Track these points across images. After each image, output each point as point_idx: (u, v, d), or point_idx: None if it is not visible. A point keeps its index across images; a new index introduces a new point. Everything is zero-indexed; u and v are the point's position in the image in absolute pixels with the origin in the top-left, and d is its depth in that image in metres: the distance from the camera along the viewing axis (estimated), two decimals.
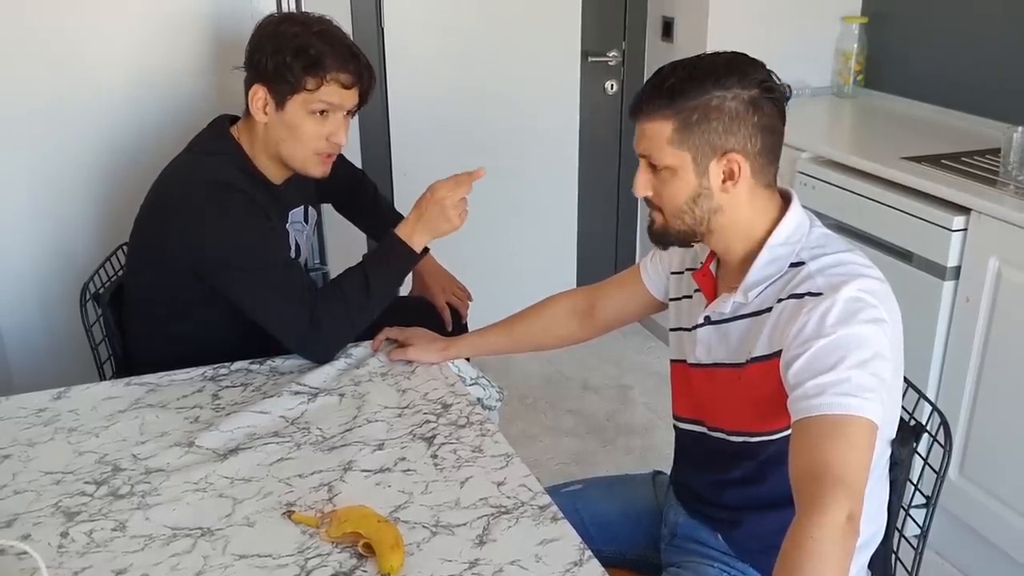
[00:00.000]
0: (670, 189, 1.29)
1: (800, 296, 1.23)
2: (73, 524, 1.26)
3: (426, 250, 2.17)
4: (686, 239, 1.35)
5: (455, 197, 1.72)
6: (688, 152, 1.26)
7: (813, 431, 1.14)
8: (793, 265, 1.28)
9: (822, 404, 1.14)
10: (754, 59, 1.29)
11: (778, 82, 1.28)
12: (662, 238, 1.36)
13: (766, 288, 1.29)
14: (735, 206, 1.29)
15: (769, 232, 1.30)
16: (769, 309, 1.28)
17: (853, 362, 1.16)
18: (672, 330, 1.50)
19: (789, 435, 1.25)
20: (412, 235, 1.73)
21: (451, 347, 1.73)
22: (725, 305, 1.34)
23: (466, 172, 1.76)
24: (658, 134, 1.27)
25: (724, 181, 1.27)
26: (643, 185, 1.32)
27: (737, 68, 1.25)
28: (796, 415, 1.17)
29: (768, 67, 1.29)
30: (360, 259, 1.75)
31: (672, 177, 1.28)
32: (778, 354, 1.24)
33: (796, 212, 1.32)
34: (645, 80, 1.32)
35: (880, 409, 1.15)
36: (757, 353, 1.28)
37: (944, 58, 2.88)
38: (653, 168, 1.30)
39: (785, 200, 1.34)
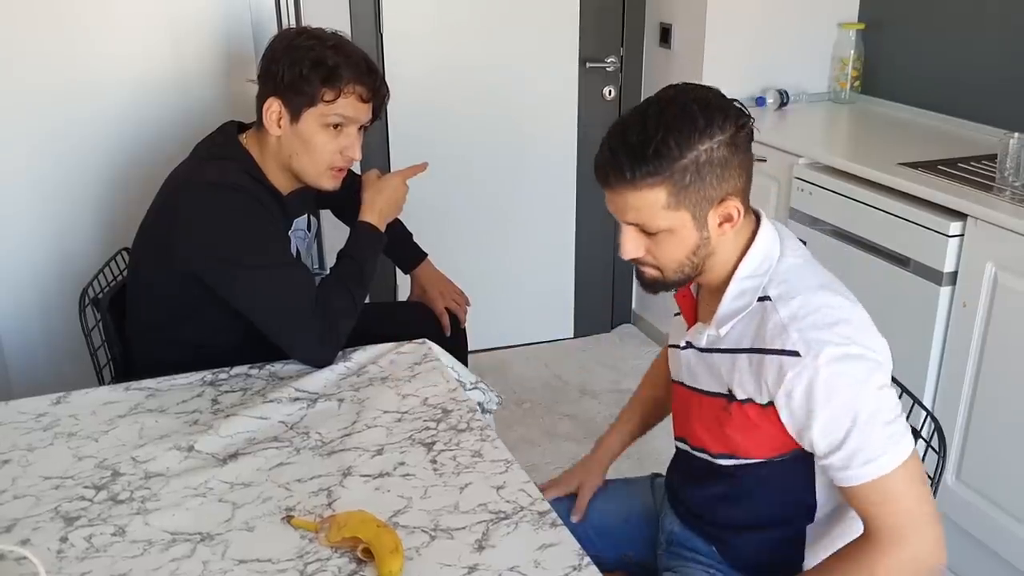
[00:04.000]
0: (666, 248, 1.25)
1: (776, 353, 1.21)
2: (72, 529, 1.26)
3: (424, 255, 2.19)
4: (682, 284, 1.32)
5: (375, 173, 1.92)
6: (687, 211, 1.21)
7: (859, 496, 1.21)
8: (761, 299, 1.26)
9: (853, 476, 1.20)
10: (714, 94, 1.22)
11: (745, 110, 1.23)
12: (657, 289, 1.32)
13: (736, 323, 1.28)
14: (725, 244, 1.27)
15: (739, 260, 1.28)
16: (745, 350, 1.26)
17: (862, 425, 1.18)
18: (669, 346, 1.50)
19: (772, 461, 1.31)
20: (373, 218, 1.85)
21: (604, 457, 1.69)
22: (700, 338, 1.34)
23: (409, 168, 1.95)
24: (651, 203, 1.20)
25: (721, 224, 1.24)
26: (634, 249, 1.26)
27: (709, 112, 1.18)
28: (836, 482, 1.23)
29: (725, 97, 1.23)
30: (339, 254, 1.82)
31: (669, 237, 1.23)
32: (770, 405, 1.24)
33: (763, 241, 1.28)
34: (652, 89, 1.26)
35: (907, 431, 1.21)
36: (742, 396, 1.28)
37: (941, 64, 2.89)
38: (644, 232, 1.24)
39: (755, 224, 1.31)
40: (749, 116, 1.23)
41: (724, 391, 1.31)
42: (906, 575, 1.21)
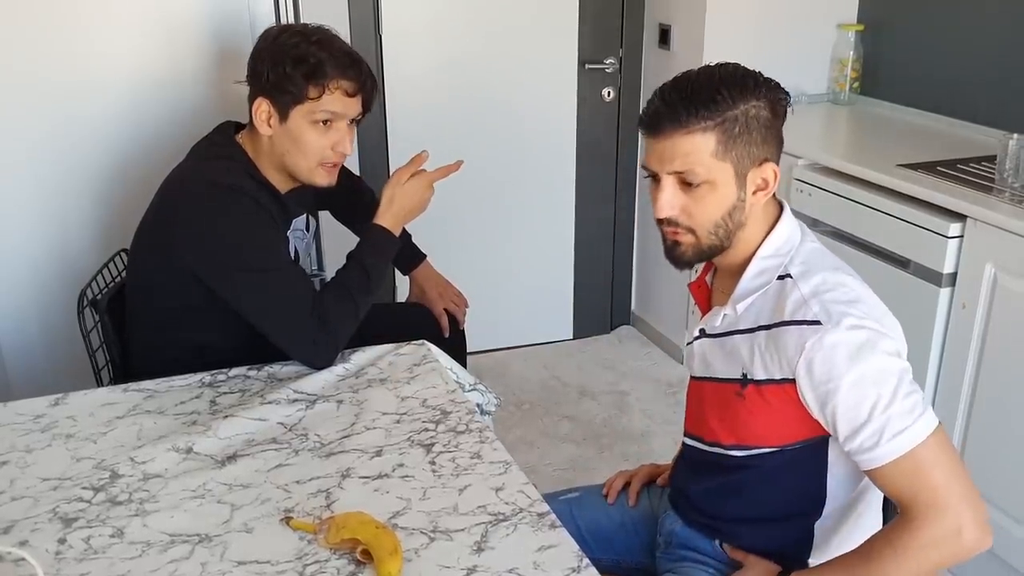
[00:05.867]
0: (706, 205, 1.25)
1: (796, 323, 1.23)
2: (71, 530, 1.26)
3: (423, 256, 2.19)
4: (711, 255, 1.32)
5: (407, 175, 1.80)
6: (730, 164, 1.24)
7: (889, 477, 1.20)
8: (781, 277, 1.28)
9: (882, 455, 1.19)
10: (747, 67, 1.29)
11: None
12: (690, 258, 1.31)
13: (754, 300, 1.29)
14: (754, 217, 1.29)
15: (762, 242, 1.31)
16: (763, 328, 1.27)
17: (885, 400, 1.18)
18: (687, 346, 1.50)
19: (785, 450, 1.30)
20: (389, 221, 1.78)
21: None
22: (716, 319, 1.34)
23: (416, 155, 1.82)
24: (700, 148, 1.22)
25: (755, 192, 1.27)
26: (671, 205, 1.26)
27: (751, 77, 1.25)
28: (864, 466, 1.22)
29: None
30: (348, 256, 1.78)
31: (710, 192, 1.24)
32: (789, 381, 1.24)
33: (787, 224, 1.32)
34: (651, 90, 1.28)
35: (928, 408, 1.20)
36: (761, 376, 1.28)
37: (940, 65, 2.89)
38: (686, 185, 1.25)
39: (779, 209, 1.35)
40: (787, 93, 1.29)
41: (738, 375, 1.31)
42: (944, 554, 1.19)
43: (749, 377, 1.29)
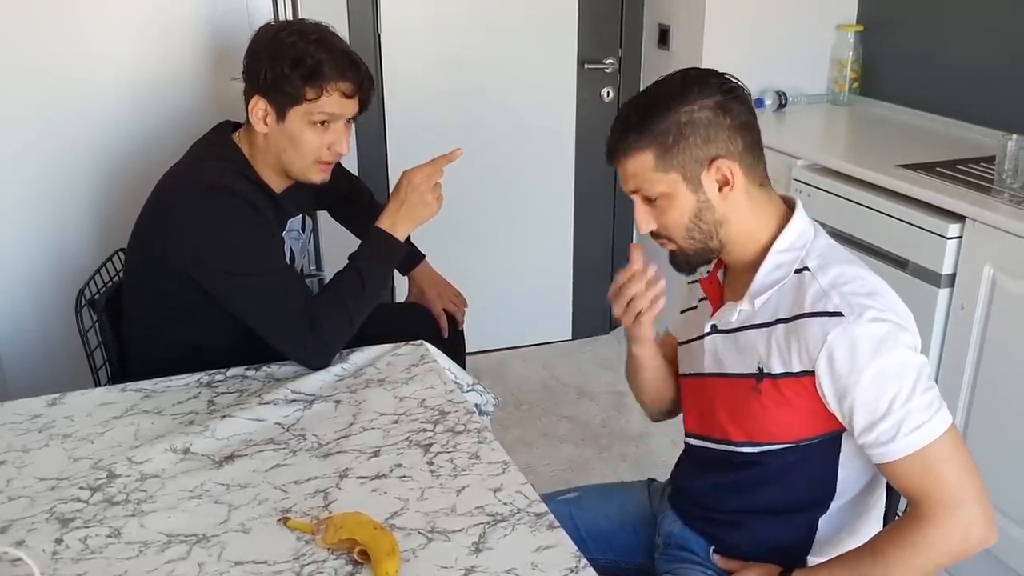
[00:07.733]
0: (671, 214, 1.30)
1: (818, 315, 1.23)
2: (68, 531, 1.26)
3: (422, 256, 2.18)
4: (705, 257, 1.35)
5: (430, 182, 1.73)
6: (676, 172, 1.27)
7: (902, 471, 1.21)
8: (798, 271, 1.29)
9: (898, 450, 1.20)
10: (705, 69, 1.31)
11: (736, 82, 1.30)
12: (684, 264, 1.36)
13: (771, 295, 1.30)
14: (738, 212, 1.30)
15: (774, 237, 1.31)
16: (781, 321, 1.28)
17: (905, 394, 1.19)
18: (681, 344, 1.50)
19: (798, 446, 1.30)
20: (395, 226, 1.74)
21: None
22: (731, 314, 1.34)
23: (441, 156, 1.74)
24: (641, 167, 1.28)
25: (720, 189, 1.28)
26: (645, 221, 1.33)
27: (692, 81, 1.28)
28: (877, 459, 1.23)
29: (721, 71, 1.31)
30: (348, 258, 1.75)
31: (668, 203, 1.29)
32: (808, 374, 1.24)
33: (800, 219, 1.33)
34: (642, 88, 1.32)
35: (944, 405, 1.21)
36: (778, 370, 1.28)
37: (939, 66, 2.88)
38: (649, 200, 1.31)
39: (790, 207, 1.35)
40: (737, 85, 1.29)
41: (754, 370, 1.31)
42: (952, 551, 1.21)
43: (765, 371, 1.29)
